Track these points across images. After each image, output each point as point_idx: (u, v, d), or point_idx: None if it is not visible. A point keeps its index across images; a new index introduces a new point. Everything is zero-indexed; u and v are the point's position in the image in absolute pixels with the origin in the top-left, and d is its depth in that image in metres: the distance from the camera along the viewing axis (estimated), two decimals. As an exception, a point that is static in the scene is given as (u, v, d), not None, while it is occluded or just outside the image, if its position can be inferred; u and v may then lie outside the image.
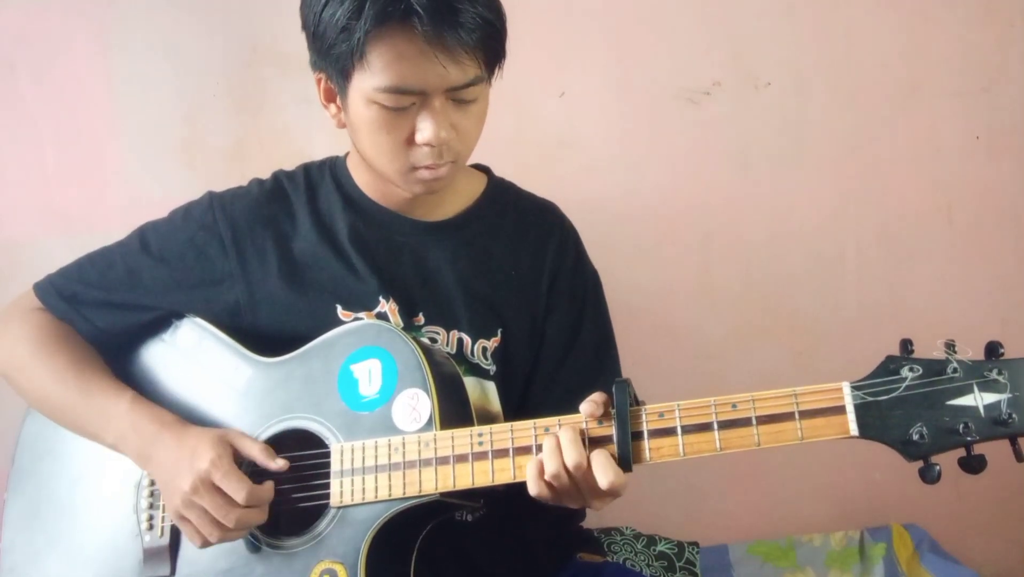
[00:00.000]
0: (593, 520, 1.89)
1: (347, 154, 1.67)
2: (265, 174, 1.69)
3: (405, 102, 1.40)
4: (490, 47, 1.42)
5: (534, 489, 1.32)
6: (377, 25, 1.34)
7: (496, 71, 1.49)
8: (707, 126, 2.40)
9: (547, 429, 1.34)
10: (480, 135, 1.53)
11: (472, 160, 1.69)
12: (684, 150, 2.40)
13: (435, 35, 1.34)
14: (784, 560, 2.36)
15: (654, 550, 2.14)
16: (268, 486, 1.43)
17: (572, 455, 1.29)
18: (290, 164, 1.71)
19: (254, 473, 1.45)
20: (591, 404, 1.33)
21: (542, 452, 1.32)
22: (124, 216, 1.72)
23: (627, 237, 2.37)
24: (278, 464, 1.44)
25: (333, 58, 1.41)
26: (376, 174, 1.56)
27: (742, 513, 2.47)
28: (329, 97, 1.52)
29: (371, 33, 1.35)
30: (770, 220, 2.42)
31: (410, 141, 1.44)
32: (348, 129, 1.52)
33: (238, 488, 1.39)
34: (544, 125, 2.35)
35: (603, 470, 1.27)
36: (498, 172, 1.74)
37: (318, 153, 1.72)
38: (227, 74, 2.26)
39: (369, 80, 1.39)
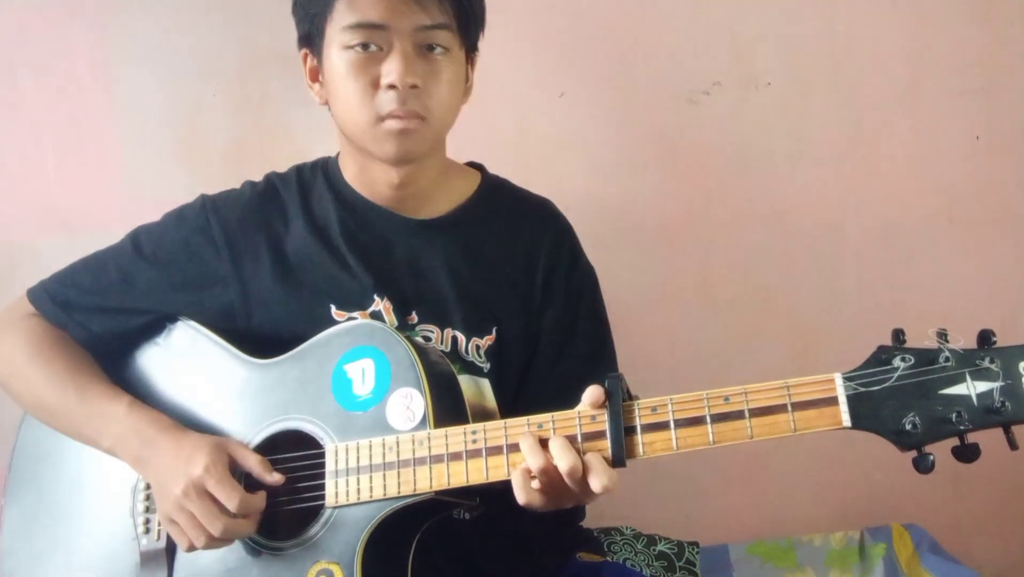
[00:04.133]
0: (593, 520, 1.89)
1: (338, 154, 1.68)
2: (264, 174, 1.69)
3: (369, 38, 1.45)
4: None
5: (523, 498, 1.32)
6: None
7: (471, 31, 1.55)
8: (707, 126, 2.39)
9: (540, 425, 1.34)
10: (453, 107, 1.56)
11: (470, 159, 1.70)
12: (684, 150, 2.39)
13: None
14: (784, 560, 2.35)
15: (654, 550, 2.14)
16: (260, 496, 1.44)
17: (566, 462, 1.28)
18: (289, 164, 1.71)
19: (247, 485, 1.45)
20: (595, 392, 1.33)
21: (523, 452, 1.32)
22: (124, 216, 1.73)
23: (626, 237, 2.36)
24: (274, 478, 1.45)
25: (311, 15, 1.49)
26: (364, 167, 1.58)
27: (742, 513, 2.46)
28: (313, 76, 1.57)
29: None
30: (770, 220, 2.42)
31: (376, 85, 1.47)
32: (329, 102, 1.56)
33: (230, 496, 1.40)
34: (544, 125, 2.34)
35: (596, 475, 1.28)
36: (498, 172, 1.75)
37: (317, 153, 1.73)
38: (227, 74, 2.26)
39: (338, 21, 1.46)
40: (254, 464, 1.45)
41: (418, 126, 1.49)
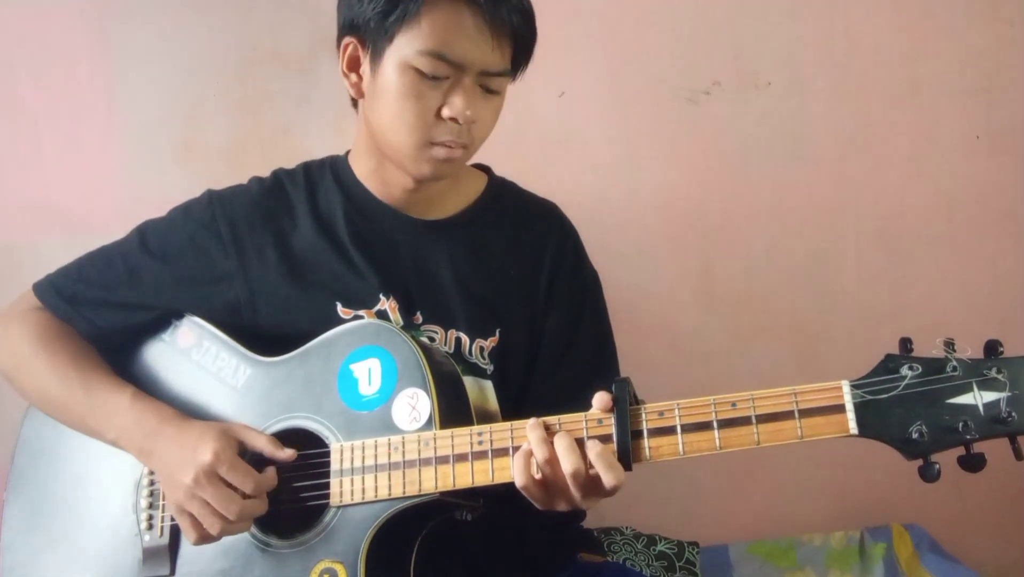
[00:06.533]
0: (593, 520, 1.89)
1: (348, 152, 1.67)
2: (265, 174, 1.69)
3: (442, 71, 1.43)
4: (523, 44, 1.51)
5: (521, 480, 1.32)
6: None
7: (518, 72, 1.56)
8: (707, 126, 2.39)
9: (547, 428, 1.34)
10: (491, 132, 1.56)
11: (472, 160, 1.70)
12: (684, 150, 2.40)
13: (493, 15, 1.41)
14: (784, 560, 2.36)
15: (654, 550, 2.14)
16: (271, 474, 1.44)
17: (569, 462, 1.28)
18: (290, 164, 1.71)
19: (255, 465, 1.45)
20: (604, 398, 1.33)
21: (531, 444, 1.32)
22: (124, 216, 1.72)
23: (627, 237, 2.37)
24: (286, 453, 1.44)
25: (379, 16, 1.44)
26: (378, 166, 1.58)
27: (742, 513, 2.47)
28: (352, 66, 1.54)
29: None
30: (770, 220, 2.42)
31: (436, 113, 1.46)
32: (366, 99, 1.53)
33: (244, 479, 1.40)
34: (544, 125, 2.34)
35: (607, 470, 1.27)
36: (498, 172, 1.74)
37: (318, 153, 1.72)
38: (227, 74, 2.26)
39: (414, 43, 1.42)
40: (264, 443, 1.45)
41: (461, 155, 1.50)
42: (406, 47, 1.43)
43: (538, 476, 1.31)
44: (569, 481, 1.29)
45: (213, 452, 1.40)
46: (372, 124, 1.54)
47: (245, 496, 1.40)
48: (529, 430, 1.33)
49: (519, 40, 1.49)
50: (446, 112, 1.45)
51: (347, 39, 1.52)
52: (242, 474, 1.40)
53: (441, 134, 1.46)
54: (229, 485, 1.40)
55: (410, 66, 1.43)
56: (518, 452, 1.33)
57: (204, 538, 1.43)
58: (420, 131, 1.46)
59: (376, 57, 1.47)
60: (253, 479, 1.40)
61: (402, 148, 1.50)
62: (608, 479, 1.27)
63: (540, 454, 1.30)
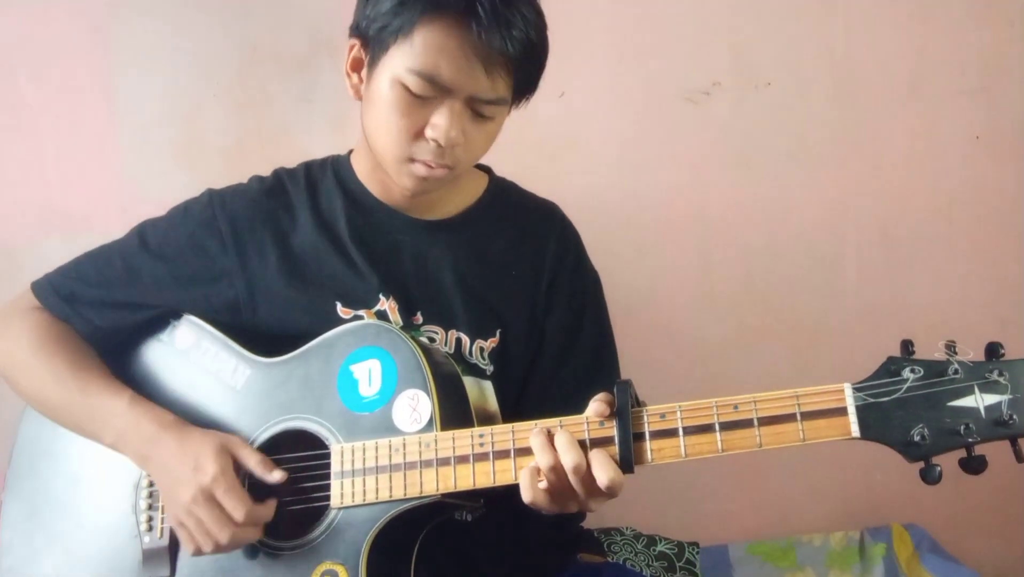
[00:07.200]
0: (593, 520, 1.89)
1: (350, 152, 1.67)
2: (265, 174, 1.69)
3: (429, 92, 1.41)
4: (525, 73, 1.46)
5: (528, 496, 1.31)
6: (435, 8, 1.37)
7: (522, 101, 1.53)
8: (707, 126, 2.40)
9: (549, 431, 1.33)
10: (484, 154, 1.55)
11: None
12: (684, 150, 2.40)
13: (485, 42, 1.37)
14: (784, 560, 2.36)
15: (654, 550, 2.14)
16: (269, 506, 1.44)
17: (570, 457, 1.28)
18: (290, 164, 1.70)
19: (252, 485, 1.44)
20: (600, 404, 1.32)
21: (533, 449, 1.31)
22: (124, 216, 1.72)
23: (627, 237, 2.37)
24: (275, 477, 1.44)
25: (379, 25, 1.42)
26: (377, 166, 1.56)
27: (742, 513, 2.47)
28: (355, 67, 1.53)
29: (427, 14, 1.37)
30: (770, 220, 2.42)
31: (419, 134, 1.44)
32: (363, 103, 1.52)
33: (237, 506, 1.39)
34: (544, 125, 2.34)
35: (602, 468, 1.27)
36: (499, 172, 1.74)
37: (318, 153, 1.72)
38: (227, 74, 2.26)
39: (404, 59, 1.40)
40: (255, 465, 1.44)
41: (443, 175, 1.48)
42: (398, 62, 1.41)
43: (544, 485, 1.31)
44: (571, 477, 1.28)
45: (212, 475, 1.40)
46: (365, 128, 1.54)
47: (239, 523, 1.40)
48: (532, 437, 1.32)
49: (519, 70, 1.44)
50: (429, 133, 1.43)
51: (353, 40, 1.51)
52: (235, 501, 1.40)
53: (421, 152, 1.45)
54: (225, 509, 1.40)
55: (399, 82, 1.41)
56: (524, 470, 1.32)
57: (197, 552, 1.43)
58: (401, 146, 1.45)
59: (373, 65, 1.46)
60: (245, 509, 1.40)
61: (385, 158, 1.50)
62: (601, 478, 1.27)
63: (544, 461, 1.30)
